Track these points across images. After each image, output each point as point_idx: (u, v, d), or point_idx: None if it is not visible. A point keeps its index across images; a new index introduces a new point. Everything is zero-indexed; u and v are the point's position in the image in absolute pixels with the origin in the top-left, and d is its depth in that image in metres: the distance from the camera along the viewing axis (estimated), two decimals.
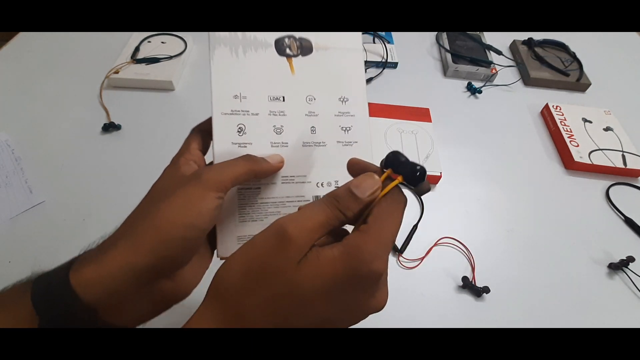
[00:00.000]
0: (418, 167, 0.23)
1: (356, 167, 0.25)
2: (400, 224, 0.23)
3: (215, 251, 0.28)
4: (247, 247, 0.22)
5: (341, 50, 0.31)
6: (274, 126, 0.29)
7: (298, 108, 0.30)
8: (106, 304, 0.22)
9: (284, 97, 0.29)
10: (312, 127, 0.30)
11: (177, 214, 0.23)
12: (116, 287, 0.22)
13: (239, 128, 0.28)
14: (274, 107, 0.29)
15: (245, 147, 0.28)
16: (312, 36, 0.31)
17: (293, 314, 0.21)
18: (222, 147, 0.28)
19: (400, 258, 0.50)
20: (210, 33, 0.29)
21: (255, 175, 0.27)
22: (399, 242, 0.51)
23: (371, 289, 0.22)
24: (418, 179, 0.23)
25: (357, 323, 0.23)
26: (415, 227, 0.53)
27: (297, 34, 0.31)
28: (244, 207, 0.27)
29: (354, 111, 0.30)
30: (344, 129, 0.30)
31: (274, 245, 0.20)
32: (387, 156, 0.24)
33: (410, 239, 0.52)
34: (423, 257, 0.50)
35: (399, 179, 0.23)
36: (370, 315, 0.23)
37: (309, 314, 0.21)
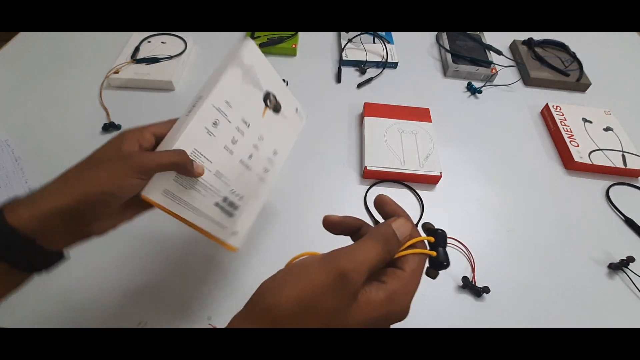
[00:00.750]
0: (445, 264, 0.27)
1: (386, 207, 0.29)
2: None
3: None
4: (302, 274, 0.24)
5: (293, 123, 0.44)
6: (233, 137, 0.37)
7: (252, 137, 0.39)
8: (40, 235, 0.27)
9: (249, 125, 0.38)
10: (251, 154, 0.39)
11: (101, 182, 0.28)
12: (47, 223, 0.27)
13: (215, 121, 0.35)
14: (241, 126, 0.37)
15: (210, 135, 0.34)
16: (284, 105, 0.42)
17: None
18: (196, 127, 0.33)
19: None
20: (241, 51, 0.37)
21: (179, 170, 0.32)
22: None
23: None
24: (440, 267, 0.28)
25: None
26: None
27: (279, 98, 0.41)
28: (181, 177, 0.33)
29: (276, 162, 0.42)
30: (265, 170, 0.41)
31: (332, 283, 0.23)
32: (438, 231, 0.28)
33: None
34: None
35: (432, 253, 0.27)
36: None
37: None
